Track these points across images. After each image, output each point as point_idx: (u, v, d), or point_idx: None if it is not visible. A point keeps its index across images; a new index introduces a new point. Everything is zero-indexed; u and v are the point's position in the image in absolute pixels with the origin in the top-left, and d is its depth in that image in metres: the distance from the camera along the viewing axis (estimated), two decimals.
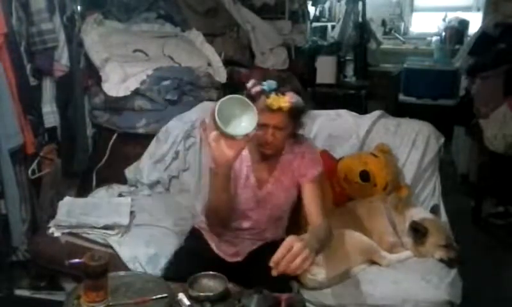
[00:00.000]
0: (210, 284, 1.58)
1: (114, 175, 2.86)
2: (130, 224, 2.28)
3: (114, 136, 3.02)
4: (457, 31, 5.81)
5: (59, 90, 2.83)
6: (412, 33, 6.93)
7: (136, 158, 2.83)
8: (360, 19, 5.67)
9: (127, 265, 2.06)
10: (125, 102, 2.92)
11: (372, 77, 5.55)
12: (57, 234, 2.23)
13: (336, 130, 2.60)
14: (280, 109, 1.63)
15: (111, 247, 2.13)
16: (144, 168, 2.75)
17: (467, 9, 6.42)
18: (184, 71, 3.07)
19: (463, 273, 2.03)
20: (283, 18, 4.74)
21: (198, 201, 2.39)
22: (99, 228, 2.20)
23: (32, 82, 2.67)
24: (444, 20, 6.19)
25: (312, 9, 5.90)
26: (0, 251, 2.48)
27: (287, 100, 1.63)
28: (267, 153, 1.78)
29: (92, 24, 3.11)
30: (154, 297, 1.50)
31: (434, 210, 2.31)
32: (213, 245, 1.94)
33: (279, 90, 1.65)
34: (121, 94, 2.87)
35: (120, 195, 2.65)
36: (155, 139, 2.80)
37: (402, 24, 6.92)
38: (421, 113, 3.05)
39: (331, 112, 2.70)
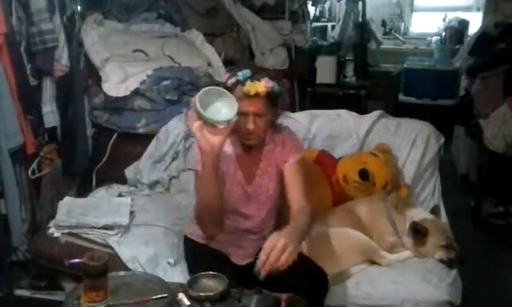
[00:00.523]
0: (210, 284, 1.58)
1: (114, 175, 2.86)
2: (130, 224, 2.28)
3: (114, 136, 3.02)
4: (457, 31, 5.82)
5: (59, 90, 2.83)
6: (412, 33, 6.93)
7: (136, 158, 2.83)
8: (360, 19, 5.67)
9: (126, 265, 2.06)
10: (125, 102, 2.92)
11: (372, 77, 5.55)
12: (57, 234, 2.23)
13: (336, 130, 2.60)
14: (257, 95, 1.67)
15: (111, 247, 2.13)
16: (144, 168, 2.75)
17: (467, 9, 6.43)
18: (184, 71, 3.07)
19: (463, 273, 2.03)
20: (283, 18, 4.73)
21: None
22: (99, 228, 2.20)
23: (32, 82, 2.67)
24: (444, 20, 6.19)
25: (312, 9, 5.90)
26: (0, 251, 2.48)
27: (262, 84, 1.68)
28: (250, 144, 1.79)
29: (92, 24, 3.11)
30: (154, 297, 1.50)
31: (435, 210, 2.31)
32: (222, 250, 1.90)
33: (253, 77, 1.70)
34: (121, 94, 2.87)
35: (120, 195, 2.65)
36: (155, 139, 2.80)
37: (402, 24, 6.92)
38: (421, 113, 3.05)
39: (331, 112, 2.71)
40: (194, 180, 1.75)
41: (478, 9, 6.20)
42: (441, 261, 2.03)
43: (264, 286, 1.52)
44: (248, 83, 1.68)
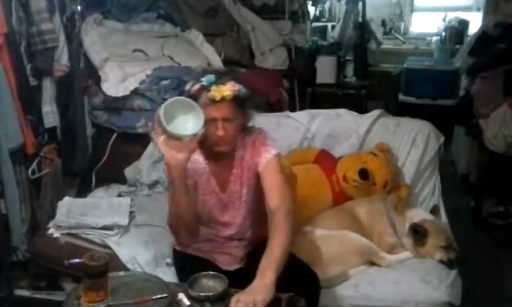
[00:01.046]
0: (210, 284, 1.58)
1: (113, 175, 2.87)
2: (130, 225, 2.28)
3: (114, 136, 3.02)
4: (457, 31, 5.81)
5: (59, 90, 2.83)
6: (412, 33, 6.93)
7: (136, 158, 2.83)
8: (360, 19, 5.67)
9: (125, 265, 2.06)
10: (124, 101, 2.92)
11: (372, 77, 5.55)
12: (56, 234, 2.23)
13: (335, 129, 2.60)
14: (223, 99, 1.60)
15: (110, 248, 2.13)
16: (144, 168, 2.75)
17: (467, 9, 6.42)
18: (183, 71, 3.07)
19: (463, 273, 2.03)
20: (283, 18, 4.73)
21: None
22: (98, 229, 2.20)
23: (32, 82, 2.67)
24: (444, 20, 6.19)
25: (312, 9, 5.90)
26: (0, 251, 2.48)
27: (228, 88, 1.61)
28: (222, 151, 1.71)
29: (92, 24, 3.11)
30: (154, 297, 1.50)
31: (434, 210, 2.31)
32: (208, 258, 1.88)
33: (218, 82, 1.63)
34: (120, 94, 2.87)
35: (120, 195, 2.65)
36: None
37: (402, 24, 6.92)
38: (421, 113, 3.05)
39: (331, 112, 2.70)
40: (168, 192, 1.72)
41: (478, 9, 6.19)
42: (441, 261, 2.03)
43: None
44: (213, 88, 1.61)
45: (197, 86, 1.65)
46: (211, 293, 1.52)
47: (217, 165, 1.79)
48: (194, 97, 1.62)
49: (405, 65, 5.40)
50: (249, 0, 4.62)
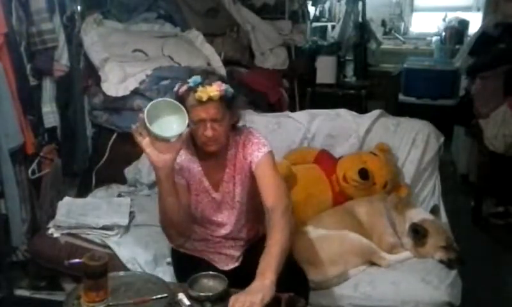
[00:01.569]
0: (210, 284, 1.58)
1: (113, 175, 2.86)
2: (130, 225, 2.28)
3: (114, 136, 3.02)
4: (457, 31, 5.81)
5: (59, 90, 2.83)
6: (412, 33, 6.92)
7: (136, 158, 2.83)
8: (360, 19, 5.67)
9: (125, 265, 2.06)
10: (124, 101, 2.92)
11: (372, 77, 5.55)
12: (56, 234, 2.23)
13: (335, 129, 2.60)
14: (210, 99, 1.61)
15: (110, 248, 2.13)
16: (144, 168, 2.75)
17: (467, 9, 6.42)
18: (183, 71, 3.06)
19: (463, 273, 2.03)
20: (283, 18, 4.73)
21: None
22: (98, 229, 2.20)
23: (32, 82, 2.67)
24: (444, 20, 6.19)
25: (312, 9, 5.90)
26: (0, 251, 2.48)
27: (215, 88, 1.62)
28: (212, 151, 1.72)
29: (92, 24, 3.11)
30: (154, 297, 1.50)
31: (434, 210, 2.31)
32: (205, 258, 1.90)
33: (205, 83, 1.64)
34: (120, 94, 2.86)
35: (120, 195, 2.65)
36: None
37: (402, 24, 6.91)
38: (421, 113, 3.04)
39: (331, 112, 2.70)
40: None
41: (478, 9, 6.19)
42: (441, 261, 2.03)
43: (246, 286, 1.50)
44: (200, 89, 1.61)
45: (184, 87, 1.66)
46: (211, 293, 1.52)
47: (210, 166, 1.79)
48: (182, 98, 1.64)
49: (405, 65, 5.40)
50: (249, 0, 4.62)
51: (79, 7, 3.01)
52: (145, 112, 1.50)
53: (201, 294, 1.51)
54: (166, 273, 1.98)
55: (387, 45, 6.49)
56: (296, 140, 2.60)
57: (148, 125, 1.49)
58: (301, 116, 2.71)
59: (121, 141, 3.00)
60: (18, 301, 2.48)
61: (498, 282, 2.76)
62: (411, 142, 2.51)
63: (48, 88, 2.77)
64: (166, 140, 1.53)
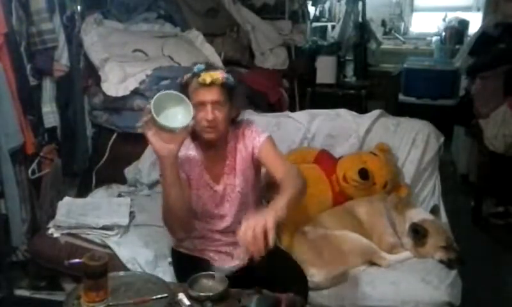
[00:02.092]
0: (210, 284, 1.58)
1: (113, 175, 2.86)
2: (130, 225, 2.28)
3: (114, 136, 3.02)
4: (457, 31, 5.81)
5: (59, 90, 2.83)
6: (412, 33, 6.92)
7: (136, 158, 2.83)
8: (360, 19, 5.67)
9: (126, 265, 2.06)
10: (124, 101, 2.92)
11: (372, 77, 5.55)
12: (56, 235, 2.23)
13: (335, 129, 2.60)
14: (213, 83, 1.69)
15: (111, 248, 2.13)
16: (144, 168, 2.75)
17: (467, 9, 6.42)
18: (183, 71, 3.03)
19: (462, 273, 2.03)
20: (283, 18, 4.73)
21: None
22: (98, 229, 2.20)
23: (32, 82, 2.67)
24: (444, 20, 6.18)
25: (312, 9, 5.90)
26: (0, 251, 2.48)
27: (217, 73, 1.71)
28: (211, 139, 1.76)
29: (92, 24, 3.11)
30: (154, 297, 1.50)
31: (434, 210, 2.31)
32: (206, 258, 1.90)
33: (208, 69, 1.74)
34: (120, 94, 2.86)
35: (120, 195, 2.65)
36: None
37: (402, 24, 6.91)
38: (421, 113, 3.04)
39: (331, 112, 2.70)
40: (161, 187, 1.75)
41: (478, 9, 6.19)
42: (441, 261, 2.03)
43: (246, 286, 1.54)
44: (203, 73, 1.70)
45: (189, 74, 1.75)
46: (211, 293, 1.52)
47: (210, 159, 1.84)
48: (186, 84, 1.73)
49: (405, 65, 5.40)
50: (249, 0, 4.62)
51: (79, 7, 3.02)
52: (151, 103, 1.53)
53: (201, 294, 1.52)
54: (166, 273, 1.98)
55: (387, 45, 6.49)
56: (296, 140, 2.60)
57: (154, 115, 1.52)
58: (301, 116, 2.71)
59: (121, 141, 3.01)
60: (18, 301, 2.48)
61: (498, 282, 2.76)
62: (411, 142, 2.51)
63: (48, 88, 2.77)
64: (171, 131, 1.56)
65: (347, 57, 5.52)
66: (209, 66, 1.77)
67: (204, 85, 1.69)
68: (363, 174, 2.30)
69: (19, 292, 2.51)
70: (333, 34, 6.16)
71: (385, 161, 2.37)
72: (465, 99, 4.14)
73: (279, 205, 1.52)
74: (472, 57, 4.04)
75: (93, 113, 3.04)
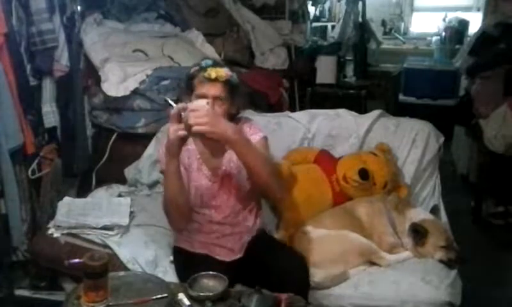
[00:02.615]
0: (210, 284, 1.59)
1: (113, 175, 2.86)
2: (130, 225, 2.28)
3: (114, 136, 3.02)
4: (457, 31, 5.82)
5: (59, 90, 2.83)
6: (412, 33, 6.93)
7: (136, 158, 2.83)
8: (360, 19, 5.67)
9: (126, 265, 2.06)
10: (124, 101, 2.92)
11: (372, 77, 5.56)
12: (56, 234, 2.23)
13: (335, 129, 2.59)
14: (217, 79, 1.79)
15: (111, 248, 2.13)
16: (144, 168, 2.75)
17: (467, 9, 6.43)
18: (184, 71, 3.05)
19: (463, 273, 2.03)
20: (283, 18, 4.73)
21: None
22: (98, 229, 2.20)
23: (32, 82, 2.67)
24: (444, 20, 6.19)
25: (312, 9, 5.91)
26: (0, 251, 2.48)
27: (223, 70, 1.82)
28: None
29: (92, 24, 3.11)
30: (154, 297, 1.50)
31: (434, 210, 2.31)
32: (206, 252, 1.93)
33: (215, 65, 1.85)
34: (120, 94, 2.86)
35: (120, 195, 2.65)
36: (154, 138, 2.80)
37: (402, 24, 6.93)
38: (421, 113, 3.04)
39: (331, 112, 2.70)
40: (163, 179, 1.87)
41: (478, 9, 6.20)
42: (441, 261, 2.03)
43: (249, 282, 1.59)
44: (210, 68, 1.80)
45: (196, 67, 1.86)
46: (211, 293, 1.52)
47: (209, 151, 1.91)
48: (192, 76, 1.84)
49: (405, 65, 5.40)
50: (249, 0, 4.62)
51: (79, 8, 3.02)
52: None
53: (201, 294, 1.52)
54: (167, 273, 1.98)
55: (387, 45, 6.50)
56: (296, 140, 2.60)
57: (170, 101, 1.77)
58: (301, 116, 2.70)
59: (121, 141, 3.01)
60: (18, 301, 2.48)
61: (498, 282, 2.76)
62: (411, 142, 2.51)
63: (48, 88, 2.77)
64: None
65: (347, 57, 5.53)
66: (216, 63, 1.87)
67: (208, 79, 1.79)
68: (363, 174, 2.30)
69: (19, 292, 2.51)
70: (333, 34, 6.17)
71: (385, 161, 2.37)
72: (465, 99, 4.14)
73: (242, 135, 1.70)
74: (472, 57, 4.05)
75: (93, 113, 3.04)
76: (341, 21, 6.04)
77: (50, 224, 2.30)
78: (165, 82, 2.96)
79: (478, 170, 3.67)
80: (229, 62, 3.64)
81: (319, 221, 2.18)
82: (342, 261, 2.00)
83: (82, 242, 2.20)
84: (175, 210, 1.84)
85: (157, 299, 1.50)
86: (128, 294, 1.52)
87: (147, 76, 2.93)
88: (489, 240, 3.27)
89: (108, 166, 3.00)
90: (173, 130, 1.65)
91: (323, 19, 6.41)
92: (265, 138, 1.92)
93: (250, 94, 3.52)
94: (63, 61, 2.79)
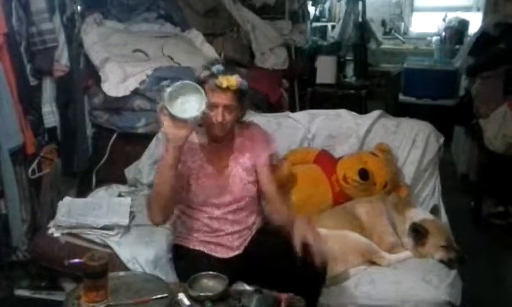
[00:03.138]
0: (210, 284, 1.59)
1: (113, 175, 2.86)
2: (130, 225, 2.28)
3: (114, 136, 3.02)
4: (457, 31, 5.82)
5: (59, 90, 2.83)
6: (412, 33, 6.93)
7: (136, 158, 2.83)
8: (360, 19, 5.67)
9: (126, 265, 2.06)
10: (124, 102, 2.92)
11: (372, 77, 5.55)
12: (56, 234, 2.23)
13: (335, 129, 2.60)
14: (228, 88, 1.78)
15: (111, 248, 2.13)
16: (144, 168, 2.75)
17: (467, 9, 6.43)
18: (184, 71, 3.06)
19: (463, 273, 2.03)
20: (283, 18, 4.73)
21: None
22: (99, 229, 2.20)
23: (32, 82, 2.67)
24: (444, 20, 6.19)
25: (312, 9, 5.90)
26: (0, 251, 2.48)
27: (234, 79, 1.80)
28: (216, 135, 1.87)
29: (92, 24, 3.11)
30: (154, 297, 1.50)
31: (434, 210, 2.31)
32: (205, 250, 1.93)
33: (227, 72, 1.83)
34: (120, 94, 2.86)
35: (120, 195, 2.65)
36: (154, 138, 2.80)
37: (402, 24, 6.93)
38: (421, 113, 3.05)
39: (331, 112, 2.70)
40: (156, 168, 1.89)
41: (478, 9, 6.20)
42: (441, 261, 2.03)
43: (258, 281, 1.59)
44: (221, 76, 1.79)
45: (207, 72, 1.84)
46: (211, 293, 1.52)
47: (215, 150, 1.93)
48: (203, 82, 1.80)
49: (405, 65, 5.40)
50: (249, 0, 4.62)
51: (79, 8, 3.01)
52: (167, 91, 1.67)
53: (201, 294, 1.52)
54: (167, 272, 1.98)
55: (387, 45, 6.50)
56: (296, 140, 2.60)
57: (167, 105, 1.66)
58: (301, 116, 2.71)
59: (121, 141, 3.01)
60: (18, 301, 2.48)
61: (498, 282, 2.76)
62: (411, 142, 2.51)
63: (48, 88, 2.77)
64: (183, 120, 1.68)
65: (347, 57, 5.52)
66: (227, 69, 1.86)
67: (220, 88, 1.78)
68: (363, 174, 2.30)
69: (19, 292, 2.51)
70: (333, 34, 6.17)
71: (385, 161, 2.37)
72: (465, 99, 4.14)
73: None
74: (472, 57, 4.05)
75: (93, 113, 3.04)
76: (341, 21, 6.04)
77: (51, 224, 2.30)
78: (165, 83, 2.95)
79: (478, 170, 3.67)
80: (229, 63, 3.65)
81: (319, 221, 2.18)
82: (342, 260, 2.00)
83: (82, 241, 2.20)
84: (158, 203, 1.82)
85: (157, 298, 1.50)
86: (128, 294, 1.52)
87: (147, 76, 2.93)
88: (489, 240, 3.26)
89: (108, 166, 3.00)
90: (169, 129, 1.70)
91: (323, 19, 6.41)
92: (272, 155, 1.99)
93: (250, 94, 3.52)
94: (63, 61, 2.79)
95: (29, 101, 2.61)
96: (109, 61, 2.96)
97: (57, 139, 2.86)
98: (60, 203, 2.39)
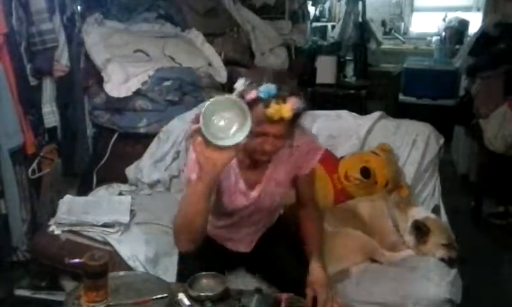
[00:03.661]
0: (210, 284, 1.58)
1: (114, 175, 2.86)
2: (130, 223, 2.28)
3: (115, 136, 3.02)
4: (457, 31, 5.81)
5: (59, 90, 2.83)
6: (412, 33, 6.93)
7: (137, 158, 2.83)
8: (360, 19, 5.67)
9: (126, 262, 2.06)
10: (126, 102, 2.92)
11: (372, 77, 5.55)
12: (57, 232, 2.23)
13: (336, 130, 2.60)
14: (281, 119, 1.47)
15: (111, 245, 2.13)
16: (145, 167, 2.75)
17: (467, 9, 6.43)
18: (185, 72, 3.07)
19: (463, 273, 2.03)
20: (283, 18, 4.73)
21: None
22: (99, 226, 2.20)
23: (32, 82, 2.67)
24: (444, 20, 6.19)
25: (312, 9, 5.90)
26: (0, 251, 2.48)
27: (289, 108, 1.46)
28: (261, 159, 1.63)
29: (93, 24, 3.11)
30: (154, 297, 1.50)
31: (435, 210, 2.31)
32: (218, 240, 1.89)
33: (279, 96, 1.46)
34: (122, 95, 2.86)
35: (120, 194, 2.65)
36: (156, 138, 2.80)
37: (402, 24, 6.92)
38: (421, 113, 3.05)
39: (332, 113, 2.71)
40: (185, 186, 1.53)
41: (478, 9, 6.20)
42: (442, 260, 2.03)
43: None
44: (272, 105, 1.44)
45: (253, 95, 1.46)
46: (211, 293, 1.52)
47: (248, 165, 1.70)
48: (248, 106, 1.41)
49: (405, 65, 5.40)
50: (249, 0, 4.62)
51: (79, 8, 3.01)
52: (203, 111, 1.32)
53: (201, 294, 1.52)
54: (167, 270, 1.98)
55: (387, 45, 6.49)
56: None
57: (203, 128, 1.32)
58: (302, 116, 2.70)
59: (122, 141, 3.01)
60: (18, 301, 2.48)
61: (498, 282, 2.76)
62: (411, 143, 2.51)
63: (48, 88, 2.77)
64: (219, 147, 1.35)
65: (347, 57, 5.53)
66: (280, 93, 1.47)
67: (270, 119, 1.46)
68: (365, 172, 2.30)
69: (19, 292, 2.51)
70: (333, 34, 6.16)
71: (387, 161, 2.37)
72: (465, 99, 4.14)
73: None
74: (472, 57, 4.05)
75: (94, 113, 3.04)
76: (341, 21, 6.04)
77: (51, 221, 2.30)
78: (167, 83, 2.96)
79: (478, 170, 3.67)
80: (229, 63, 3.65)
81: None
82: (344, 258, 2.00)
83: (82, 239, 2.21)
84: (189, 232, 1.52)
85: (157, 298, 1.50)
86: (128, 294, 1.51)
87: (149, 77, 2.93)
88: (489, 240, 3.26)
89: (108, 166, 3.00)
90: (204, 159, 1.37)
91: (323, 19, 6.40)
92: (317, 158, 1.76)
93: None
94: (63, 61, 2.80)
95: (29, 101, 2.61)
96: (111, 61, 2.96)
97: (57, 139, 2.87)
98: (61, 201, 2.39)
